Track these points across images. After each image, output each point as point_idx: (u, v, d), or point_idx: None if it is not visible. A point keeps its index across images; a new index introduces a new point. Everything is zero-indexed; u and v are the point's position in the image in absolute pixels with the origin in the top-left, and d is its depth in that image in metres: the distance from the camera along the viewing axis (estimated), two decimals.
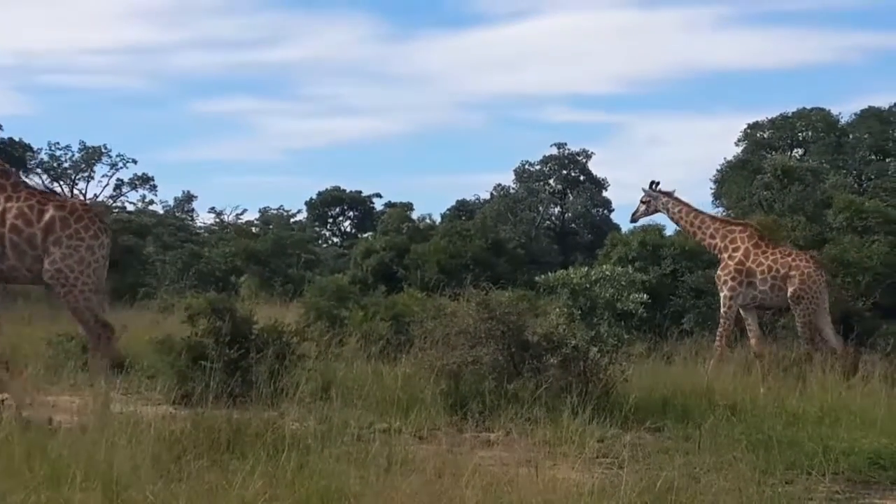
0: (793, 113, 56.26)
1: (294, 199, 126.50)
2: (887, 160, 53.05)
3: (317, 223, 71.05)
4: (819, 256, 20.00)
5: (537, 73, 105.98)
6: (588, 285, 21.67)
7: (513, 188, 59.65)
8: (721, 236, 18.89)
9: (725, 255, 18.69)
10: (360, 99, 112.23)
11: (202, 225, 62.91)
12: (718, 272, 18.79)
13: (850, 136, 54.75)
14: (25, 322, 19.19)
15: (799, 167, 31.37)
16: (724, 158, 49.35)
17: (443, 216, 54.79)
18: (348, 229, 71.45)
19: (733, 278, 18.35)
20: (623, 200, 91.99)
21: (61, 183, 68.91)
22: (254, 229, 54.01)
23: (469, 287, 15.35)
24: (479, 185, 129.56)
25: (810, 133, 55.94)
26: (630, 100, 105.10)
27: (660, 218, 21.16)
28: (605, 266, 23.58)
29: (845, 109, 62.84)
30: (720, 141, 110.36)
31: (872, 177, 49.37)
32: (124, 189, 71.29)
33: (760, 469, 9.89)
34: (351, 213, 72.48)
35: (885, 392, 14.30)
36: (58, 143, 69.26)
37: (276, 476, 8.55)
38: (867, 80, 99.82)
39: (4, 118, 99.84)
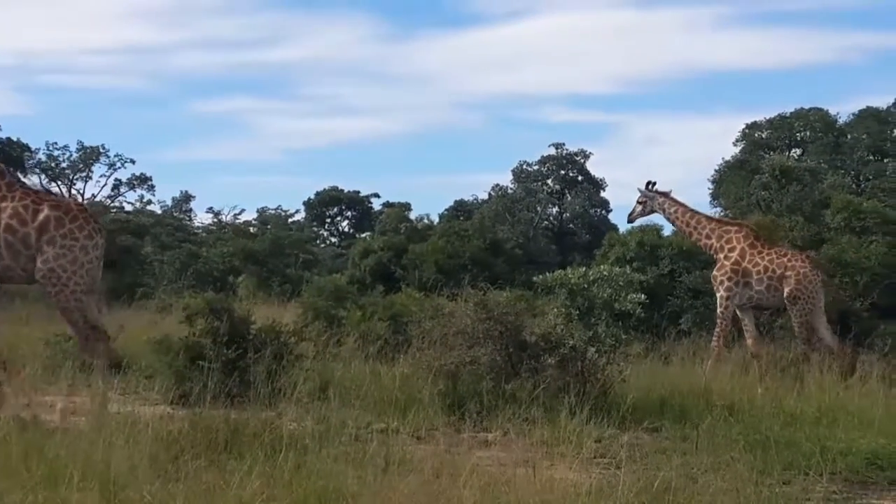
0: (791, 113, 56.32)
1: (292, 199, 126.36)
2: (885, 160, 53.08)
3: (315, 223, 71.07)
4: (815, 256, 20.01)
5: (535, 73, 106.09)
6: (586, 285, 21.65)
7: (511, 188, 59.64)
8: (717, 236, 18.90)
9: (721, 256, 18.70)
10: (358, 99, 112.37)
11: (200, 225, 62.98)
12: (714, 272, 18.80)
13: (849, 137, 54.80)
14: (23, 322, 19.18)
15: (797, 167, 31.38)
16: (723, 158, 49.43)
17: (441, 216, 54.85)
18: (346, 229, 71.48)
19: (729, 278, 18.36)
20: (621, 201, 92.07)
21: (59, 183, 68.93)
22: (252, 229, 53.98)
23: (467, 287, 15.37)
24: (477, 185, 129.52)
25: (808, 133, 55.98)
26: (628, 100, 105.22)
27: (657, 218, 21.19)
28: (602, 266, 23.55)
29: (843, 109, 63.08)
30: (718, 141, 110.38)
31: (870, 177, 49.42)
32: (122, 189, 71.39)
33: (758, 469, 9.88)
34: (349, 214, 72.51)
35: (882, 392, 14.30)
36: (56, 143, 69.36)
37: (274, 476, 8.55)
38: (865, 80, 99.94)
39: (3, 118, 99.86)
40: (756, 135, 55.78)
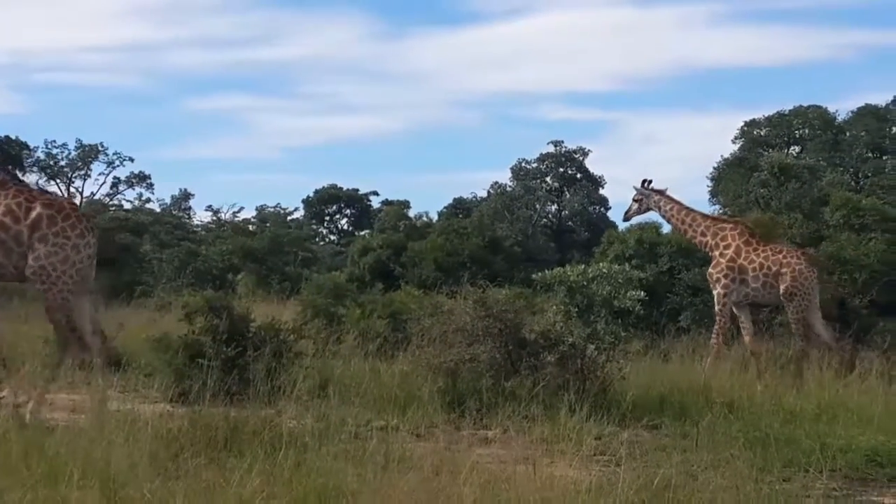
0: (790, 110, 56.33)
1: (291, 197, 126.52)
2: (884, 157, 53.11)
3: (314, 221, 71.08)
4: (810, 252, 20.01)
5: (533, 71, 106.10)
6: (585, 283, 21.65)
7: (510, 186, 59.62)
8: (712, 234, 18.92)
9: (717, 253, 18.71)
10: (356, 97, 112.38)
11: (199, 223, 62.99)
12: (710, 270, 18.82)
13: (847, 134, 54.81)
14: (22, 320, 19.16)
15: (796, 165, 31.36)
16: (721, 156, 49.46)
17: (440, 214, 54.92)
18: (345, 227, 71.48)
19: (726, 276, 18.37)
20: (620, 198, 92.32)
21: (58, 181, 68.91)
22: (251, 227, 53.96)
23: (466, 285, 15.35)
24: (476, 183, 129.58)
25: (807, 131, 55.99)
26: (626, 97, 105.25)
27: (656, 216, 21.17)
28: (601, 264, 23.55)
29: (842, 107, 63.15)
30: (717, 138, 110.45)
31: (869, 174, 49.42)
32: (121, 187, 71.46)
33: (758, 466, 9.89)
34: (348, 211, 72.51)
35: (882, 389, 14.31)
36: (54, 142, 69.40)
37: (274, 474, 8.55)
38: (864, 77, 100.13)
39: (1, 116, 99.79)
40: (755, 132, 55.79)
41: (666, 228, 26.65)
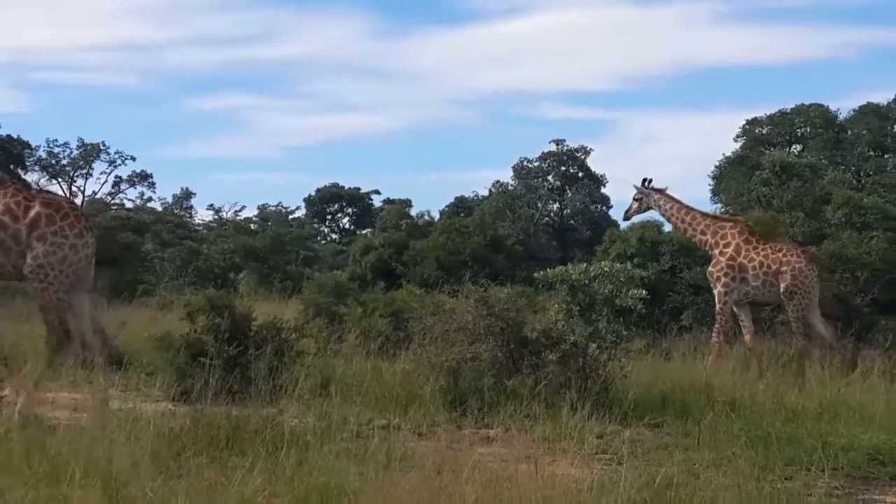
0: (791, 109, 56.27)
1: (292, 196, 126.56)
2: (886, 156, 53.06)
3: (315, 220, 71.06)
4: (810, 251, 20.02)
5: (533, 70, 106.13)
6: (587, 281, 21.65)
7: (511, 185, 59.59)
8: (712, 232, 18.94)
9: (717, 252, 18.73)
10: (356, 96, 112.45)
11: (201, 222, 62.99)
12: (710, 268, 18.84)
13: (849, 133, 54.75)
14: (24, 319, 19.16)
15: (797, 163, 31.35)
16: (723, 154, 49.42)
17: (441, 213, 54.87)
18: (347, 226, 71.46)
19: (726, 274, 18.40)
20: (621, 197, 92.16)
21: (60, 180, 68.91)
22: (252, 226, 53.94)
23: (468, 283, 15.36)
24: (478, 181, 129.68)
25: (809, 129, 55.93)
26: (626, 96, 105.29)
27: (656, 215, 21.20)
28: (603, 262, 23.55)
29: (844, 105, 63.06)
30: (718, 137, 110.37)
31: (871, 173, 49.34)
32: (123, 186, 71.41)
33: (759, 465, 9.90)
34: (349, 210, 72.49)
35: (884, 388, 14.31)
36: (56, 141, 69.35)
37: (276, 473, 8.55)
38: (865, 76, 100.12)
39: (2, 115, 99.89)
40: (756, 131, 55.74)
41: (667, 227, 26.64)
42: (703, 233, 19.05)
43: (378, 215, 56.39)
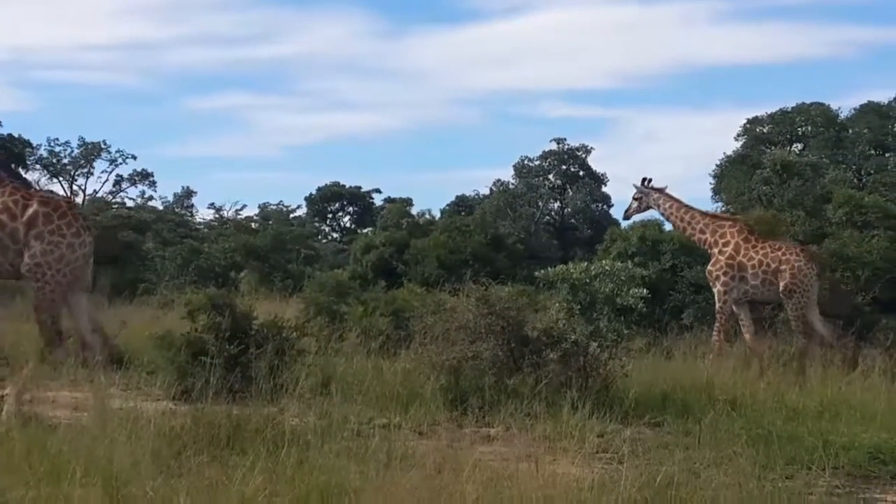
0: (792, 108, 56.22)
1: (293, 195, 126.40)
2: (887, 155, 53.02)
3: (316, 218, 71.03)
4: (809, 249, 20.03)
5: (533, 69, 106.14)
6: (588, 280, 21.66)
7: (512, 183, 59.57)
8: (711, 231, 18.96)
9: (716, 251, 18.75)
10: (356, 95, 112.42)
11: (202, 221, 62.97)
12: (709, 267, 18.86)
13: (850, 131, 54.72)
14: (24, 319, 19.16)
15: (798, 162, 31.33)
16: (724, 153, 49.40)
17: (442, 212, 54.85)
18: (348, 225, 71.44)
19: (725, 273, 18.41)
20: (622, 196, 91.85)
21: (61, 179, 68.91)
22: (253, 225, 53.95)
23: (469, 282, 15.36)
24: (479, 180, 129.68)
25: (810, 128, 55.88)
26: (627, 95, 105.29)
27: (656, 214, 21.20)
28: (604, 261, 23.57)
29: (845, 104, 62.98)
30: (719, 136, 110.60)
31: (872, 172, 49.29)
32: (124, 185, 71.37)
33: (760, 464, 9.89)
34: (350, 209, 72.47)
35: (885, 386, 14.32)
36: (57, 140, 69.28)
37: (276, 472, 8.55)
38: (866, 74, 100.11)
39: (3, 114, 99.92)
40: (757, 129, 55.70)
41: (668, 226, 26.65)
42: (702, 232, 19.07)
43: (379, 214, 56.41)
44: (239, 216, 62.47)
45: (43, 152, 68.28)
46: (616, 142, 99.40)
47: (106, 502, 7.78)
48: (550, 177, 60.70)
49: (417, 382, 13.30)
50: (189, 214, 67.79)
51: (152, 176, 71.41)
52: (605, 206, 60.60)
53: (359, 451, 9.63)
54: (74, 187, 69.08)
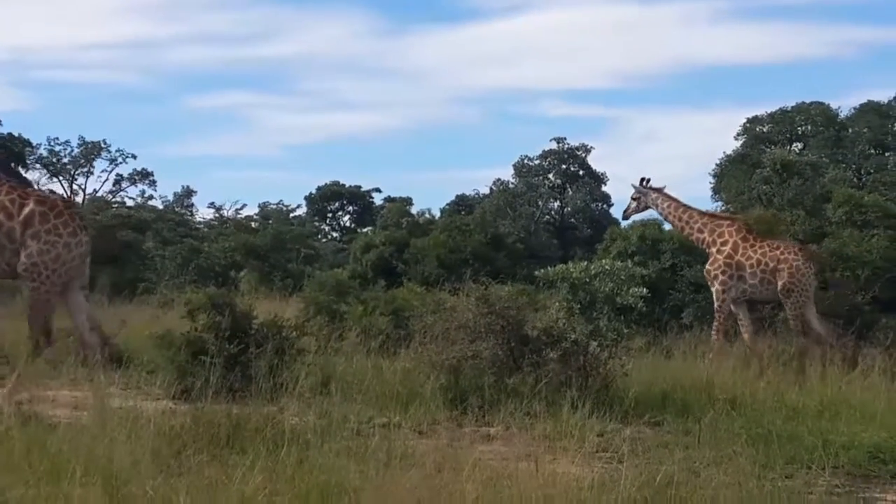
0: (792, 107, 56.23)
1: (293, 194, 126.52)
2: (887, 154, 53.03)
3: (316, 218, 70.99)
4: (807, 248, 20.03)
5: (533, 68, 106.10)
6: (587, 280, 21.66)
7: (512, 183, 59.58)
8: (709, 230, 18.96)
9: (714, 250, 18.75)
10: (355, 94, 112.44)
11: (202, 220, 62.90)
12: (707, 266, 18.86)
13: (850, 131, 54.73)
14: (24, 318, 19.17)
15: (798, 161, 31.33)
16: (723, 153, 49.41)
17: (442, 211, 54.82)
18: (348, 224, 71.39)
19: (723, 272, 18.41)
20: (622, 195, 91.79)
21: (61, 178, 68.91)
22: (253, 224, 53.94)
23: (469, 282, 15.36)
24: (478, 180, 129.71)
25: (809, 127, 55.89)
26: (627, 95, 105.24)
27: (655, 213, 21.19)
28: (604, 260, 23.57)
29: (844, 104, 62.84)
30: (718, 135, 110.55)
31: (872, 171, 49.29)
32: (124, 184, 71.38)
33: (760, 463, 9.90)
34: (350, 208, 72.43)
35: (884, 386, 14.31)
36: (57, 139, 69.28)
37: (276, 471, 8.55)
38: (866, 74, 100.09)
39: (3, 113, 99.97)
40: (757, 129, 55.71)
41: (668, 225, 26.68)
42: (700, 231, 19.07)
43: (379, 213, 56.39)
44: (239, 215, 62.47)
45: (43, 152, 68.34)
46: (616, 141, 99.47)
47: (106, 501, 7.78)
48: (550, 176, 60.71)
49: (417, 382, 13.30)
50: (189, 214, 67.77)
51: (152, 175, 71.48)
52: (604, 206, 60.62)
53: (359, 450, 9.63)
54: (74, 186, 69.10)
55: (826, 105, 55.94)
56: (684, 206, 19.48)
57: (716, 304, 18.60)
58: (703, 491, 8.42)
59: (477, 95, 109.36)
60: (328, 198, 71.30)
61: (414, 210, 48.79)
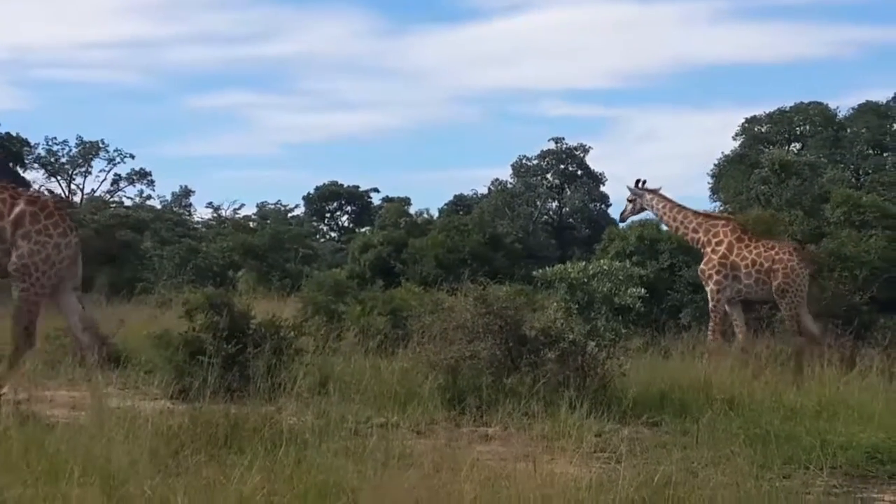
0: (790, 107, 56.29)
1: (291, 194, 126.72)
2: (885, 154, 53.07)
3: (314, 218, 71.00)
4: (805, 248, 20.02)
5: (533, 68, 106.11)
6: (586, 280, 21.64)
7: (510, 183, 59.59)
8: (704, 230, 18.95)
9: (709, 250, 18.74)
10: (356, 94, 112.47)
11: (200, 220, 62.89)
12: (702, 266, 18.85)
13: (848, 131, 54.79)
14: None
15: (796, 161, 31.33)
16: (722, 153, 49.45)
17: (440, 211, 54.85)
18: (346, 224, 71.40)
19: (718, 272, 18.41)
20: (620, 195, 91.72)
21: (59, 178, 68.90)
22: (251, 224, 53.92)
23: (467, 281, 15.37)
24: (477, 179, 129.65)
25: (808, 127, 55.94)
26: (626, 94, 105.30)
27: (651, 215, 21.18)
28: (602, 260, 23.54)
29: (843, 104, 63.17)
30: (717, 135, 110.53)
31: (870, 171, 49.33)
32: (122, 184, 71.43)
33: (758, 463, 9.90)
34: (349, 208, 72.43)
35: (882, 386, 14.31)
36: (55, 138, 69.35)
37: (274, 471, 8.55)
38: (864, 74, 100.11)
39: (2, 113, 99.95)
40: (755, 129, 55.75)
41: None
42: (695, 231, 19.07)
43: (377, 213, 56.37)
44: (237, 215, 62.48)
45: (41, 151, 68.42)
46: (616, 141, 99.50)
47: (104, 501, 7.77)
48: (549, 176, 60.72)
49: (415, 382, 13.31)
50: (187, 213, 67.74)
51: (150, 175, 71.52)
52: (603, 206, 60.66)
53: (357, 450, 9.64)
54: (72, 186, 69.11)
55: (824, 105, 56.06)
56: (679, 206, 19.48)
57: (710, 305, 18.60)
58: (701, 491, 8.42)
59: (477, 95, 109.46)
60: (326, 198, 71.30)
61: (412, 210, 48.84)
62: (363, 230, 53.44)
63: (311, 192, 71.34)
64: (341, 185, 71.56)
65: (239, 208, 65.34)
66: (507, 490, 8.17)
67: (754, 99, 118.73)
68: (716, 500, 8.30)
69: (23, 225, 12.09)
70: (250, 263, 37.53)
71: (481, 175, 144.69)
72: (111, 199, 66.08)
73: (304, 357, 13.95)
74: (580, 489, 8.27)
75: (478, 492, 8.06)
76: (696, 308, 23.62)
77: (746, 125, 56.00)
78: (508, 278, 26.27)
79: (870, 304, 22.06)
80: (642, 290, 21.88)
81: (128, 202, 67.06)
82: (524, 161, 60.47)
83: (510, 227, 48.18)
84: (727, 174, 43.86)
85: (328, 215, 72.66)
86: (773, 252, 18.33)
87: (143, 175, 71.43)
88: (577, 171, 60.80)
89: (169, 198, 72.69)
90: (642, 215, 21.78)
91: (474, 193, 62.13)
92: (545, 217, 59.51)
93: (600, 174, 60.89)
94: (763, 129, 55.90)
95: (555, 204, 60.68)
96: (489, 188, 59.89)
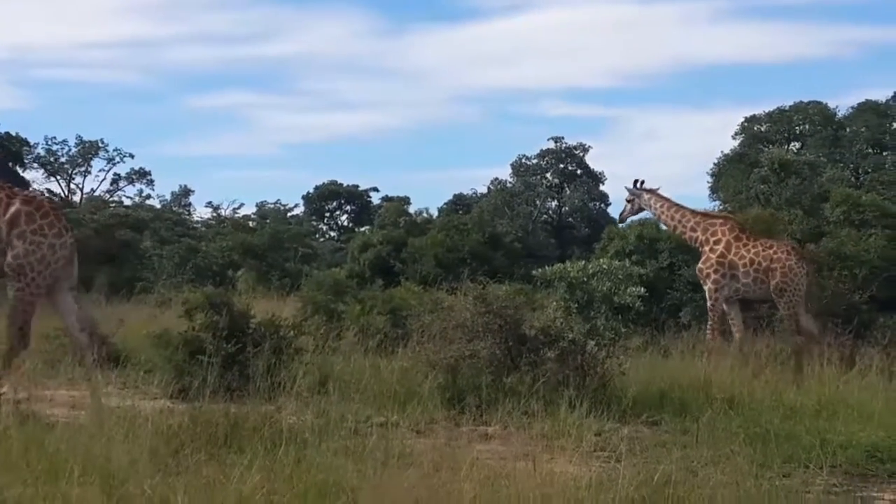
0: (790, 106, 56.30)
1: (291, 194, 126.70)
2: (884, 153, 53.10)
3: (314, 217, 70.99)
4: (804, 248, 20.02)
5: (533, 68, 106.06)
6: (585, 279, 21.62)
7: (510, 182, 59.59)
8: (702, 229, 18.95)
9: (707, 248, 18.74)
10: (355, 93, 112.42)
11: (199, 219, 62.83)
12: (700, 265, 18.85)
13: (847, 130, 54.80)
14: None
15: (796, 161, 31.33)
16: (721, 152, 49.45)
17: (440, 210, 54.86)
18: (345, 223, 71.38)
19: (716, 271, 18.41)
20: (620, 194, 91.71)
21: (58, 177, 68.89)
22: (251, 223, 53.91)
23: (466, 281, 15.37)
24: (476, 179, 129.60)
25: (807, 126, 55.96)
26: (626, 94, 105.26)
27: (650, 214, 21.17)
28: (602, 260, 23.52)
29: (842, 103, 63.18)
30: (717, 135, 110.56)
31: (869, 170, 49.37)
32: (121, 184, 71.45)
33: (758, 462, 9.90)
34: (348, 208, 72.42)
35: (882, 385, 14.31)
36: (55, 138, 69.32)
37: (274, 470, 8.55)
38: (864, 73, 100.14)
39: (1, 112, 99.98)
40: (755, 128, 55.76)
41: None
42: (693, 230, 19.07)
43: (377, 213, 56.37)
44: (236, 215, 62.44)
45: (40, 151, 68.39)
46: (616, 140, 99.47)
47: (104, 500, 7.77)
48: (548, 175, 60.72)
49: (415, 381, 13.31)
50: (186, 213, 67.71)
51: (150, 174, 71.52)
52: (602, 205, 60.67)
53: (356, 449, 9.64)
54: (72, 186, 69.10)
55: (824, 104, 56.10)
56: (677, 205, 19.48)
57: (708, 304, 18.61)
58: (701, 490, 8.42)
59: (477, 95, 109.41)
60: (326, 197, 71.29)
61: (411, 209, 48.85)
62: (363, 229, 53.45)
63: (311, 191, 71.41)
64: (341, 185, 71.56)
65: (238, 208, 65.34)
66: (506, 489, 8.17)
67: (754, 98, 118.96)
68: (715, 499, 8.30)
69: (18, 225, 12.07)
70: (250, 263, 37.51)
71: (481, 175, 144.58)
72: (111, 199, 66.10)
73: (303, 356, 13.95)
74: (580, 488, 8.27)
75: (477, 491, 8.06)
76: (696, 307, 23.61)
77: (746, 124, 56.02)
78: (508, 277, 26.27)
79: (869, 303, 22.07)
80: (642, 289, 21.87)
81: (127, 202, 67.08)
82: (524, 160, 60.50)
83: (510, 226, 48.19)
84: (727, 173, 43.88)
85: (328, 215, 72.66)
86: (771, 251, 18.34)
87: (142, 175, 71.48)
88: (576, 170, 60.80)
89: (168, 197, 72.75)
90: (641, 215, 21.79)
91: (474, 193, 62.21)
92: (545, 216, 59.52)
93: (600, 173, 60.99)
94: (763, 129, 55.91)
95: (554, 203, 60.69)
96: (489, 188, 59.97)
